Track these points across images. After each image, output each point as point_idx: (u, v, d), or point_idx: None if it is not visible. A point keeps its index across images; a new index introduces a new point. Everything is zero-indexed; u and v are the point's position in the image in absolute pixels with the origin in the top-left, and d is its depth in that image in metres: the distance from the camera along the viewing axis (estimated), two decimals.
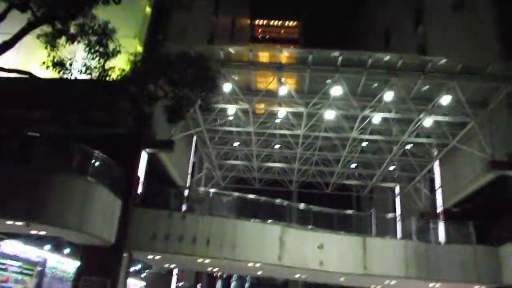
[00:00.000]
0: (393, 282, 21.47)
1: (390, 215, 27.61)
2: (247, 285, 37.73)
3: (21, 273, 20.62)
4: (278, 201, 20.29)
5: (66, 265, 24.74)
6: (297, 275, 22.27)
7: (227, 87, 21.04)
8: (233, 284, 35.38)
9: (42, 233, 15.87)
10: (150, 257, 19.36)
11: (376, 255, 19.77)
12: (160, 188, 19.75)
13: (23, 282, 20.45)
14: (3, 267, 21.98)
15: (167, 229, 17.66)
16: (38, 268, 24.89)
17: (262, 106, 23.63)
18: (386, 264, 19.76)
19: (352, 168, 29.85)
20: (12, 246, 22.09)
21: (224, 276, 37.21)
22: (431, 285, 20.86)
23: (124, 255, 17.43)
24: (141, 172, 18.97)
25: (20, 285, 20.32)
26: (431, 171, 27.03)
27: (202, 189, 25.80)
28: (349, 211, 21.95)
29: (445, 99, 20.59)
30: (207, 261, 18.76)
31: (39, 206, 13.68)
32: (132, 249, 17.65)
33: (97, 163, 15.80)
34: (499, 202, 20.00)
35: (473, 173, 21.50)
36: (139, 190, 18.84)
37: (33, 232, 15.75)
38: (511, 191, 19.08)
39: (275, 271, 21.34)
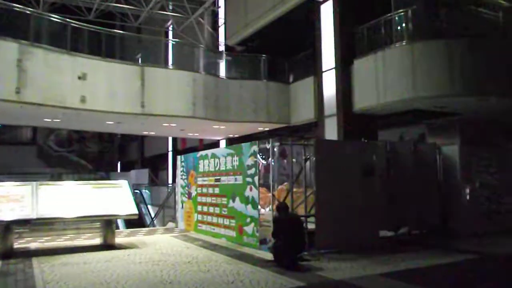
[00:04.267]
0: (173, 125, 17.94)
1: (176, 40, 23.12)
2: None
3: None
4: (16, 6, 13.24)
5: None
6: (48, 119, 16.27)
7: None
8: None
9: None
10: None
11: (158, 90, 15.45)
12: None
13: None
14: None
15: None
16: None
17: None
18: (169, 101, 15.74)
19: None
20: None
21: None
22: (215, 126, 18.19)
23: None
24: None
25: None
26: (216, 3, 23.04)
27: None
28: (125, 32, 16.53)
29: None
30: None
31: None
32: None
33: None
34: (294, 37, 17.62)
35: (270, 3, 18.01)
36: None
37: None
38: (308, 24, 16.45)
39: (14, 115, 14.99)
